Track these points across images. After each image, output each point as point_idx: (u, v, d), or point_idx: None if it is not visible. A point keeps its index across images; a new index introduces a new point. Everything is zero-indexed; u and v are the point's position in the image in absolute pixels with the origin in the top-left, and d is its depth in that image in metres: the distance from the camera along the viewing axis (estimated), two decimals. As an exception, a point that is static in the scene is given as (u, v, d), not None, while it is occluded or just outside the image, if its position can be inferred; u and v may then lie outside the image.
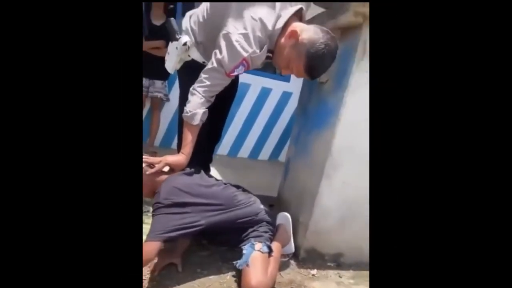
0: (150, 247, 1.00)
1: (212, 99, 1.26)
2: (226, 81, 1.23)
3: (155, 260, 1.20)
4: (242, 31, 1.13)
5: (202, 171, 1.32)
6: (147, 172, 1.19)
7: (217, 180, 1.33)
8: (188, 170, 1.26)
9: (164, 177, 1.20)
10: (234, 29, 1.13)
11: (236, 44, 1.13)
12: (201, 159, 1.48)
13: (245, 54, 1.14)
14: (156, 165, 1.20)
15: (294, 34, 1.12)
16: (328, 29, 1.13)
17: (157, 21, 2.53)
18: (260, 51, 1.16)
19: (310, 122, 1.49)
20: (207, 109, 1.24)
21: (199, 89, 1.22)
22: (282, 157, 3.32)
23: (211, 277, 1.19)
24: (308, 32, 1.11)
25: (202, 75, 1.23)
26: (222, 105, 1.52)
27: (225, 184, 1.30)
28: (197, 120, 1.22)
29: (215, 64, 1.19)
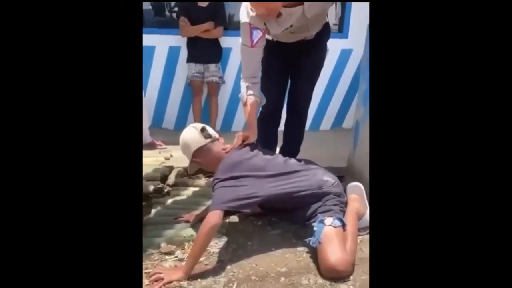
0: (213, 217, 1.06)
1: (255, 74, 1.36)
2: (256, 53, 1.33)
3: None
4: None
5: (259, 145, 1.35)
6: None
7: (275, 154, 1.36)
8: (244, 146, 1.30)
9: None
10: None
11: (240, 17, 1.29)
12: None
13: (248, 20, 1.26)
14: (234, 143, 1.30)
15: None
16: None
17: (203, 3, 2.49)
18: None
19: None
20: (252, 84, 1.36)
21: (242, 74, 1.37)
22: (346, 123, 3.09)
23: (287, 255, 1.16)
24: None
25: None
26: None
27: (284, 157, 1.30)
28: (243, 98, 1.36)
29: (241, 44, 1.32)
